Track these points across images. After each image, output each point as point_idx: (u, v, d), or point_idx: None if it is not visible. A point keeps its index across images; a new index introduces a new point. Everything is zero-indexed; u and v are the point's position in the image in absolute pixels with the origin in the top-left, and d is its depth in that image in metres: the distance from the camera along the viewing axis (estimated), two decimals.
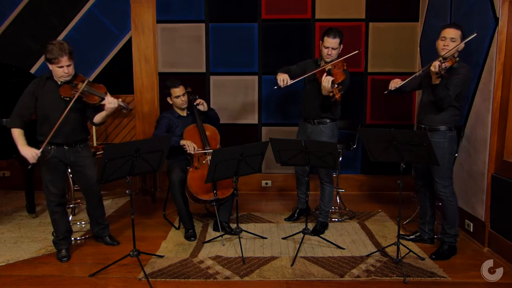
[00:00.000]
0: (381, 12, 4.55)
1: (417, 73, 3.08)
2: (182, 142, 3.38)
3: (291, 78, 3.28)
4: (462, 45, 2.85)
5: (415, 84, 3.19)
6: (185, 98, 3.58)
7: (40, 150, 2.79)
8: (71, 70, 2.84)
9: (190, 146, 3.36)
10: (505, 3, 2.95)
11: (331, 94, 3.12)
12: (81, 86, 2.84)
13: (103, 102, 2.89)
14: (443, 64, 2.72)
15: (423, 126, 3.03)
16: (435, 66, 2.72)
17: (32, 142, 3.06)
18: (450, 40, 2.84)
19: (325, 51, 3.26)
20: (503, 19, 2.98)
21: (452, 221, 3.00)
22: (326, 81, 3.09)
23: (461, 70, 2.83)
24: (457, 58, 2.81)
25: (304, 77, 3.35)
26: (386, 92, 3.12)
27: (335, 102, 3.15)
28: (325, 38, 3.25)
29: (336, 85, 3.11)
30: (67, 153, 2.96)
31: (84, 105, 2.94)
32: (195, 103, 3.62)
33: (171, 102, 3.62)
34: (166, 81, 3.65)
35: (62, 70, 2.80)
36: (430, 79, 2.90)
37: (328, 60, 3.28)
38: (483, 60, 3.17)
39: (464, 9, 3.47)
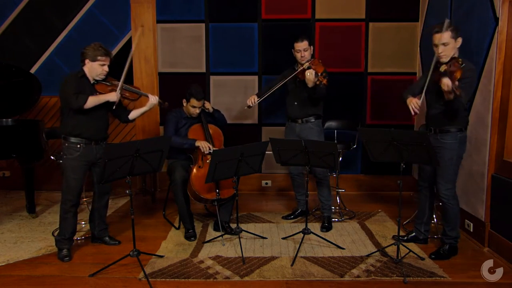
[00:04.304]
0: (381, 12, 4.55)
1: (426, 81, 2.86)
2: (197, 143, 3.40)
3: (268, 91, 3.60)
4: (460, 41, 2.81)
5: (420, 89, 3.05)
6: (199, 111, 3.57)
7: (118, 88, 2.97)
8: (108, 69, 3.02)
9: (205, 147, 3.38)
10: (505, 3, 2.95)
11: (318, 83, 3.30)
12: (120, 83, 3.00)
13: (150, 98, 3.16)
14: (455, 82, 2.58)
15: (432, 128, 2.98)
16: (448, 85, 2.56)
17: (29, 143, 3.06)
18: (443, 46, 2.79)
19: (298, 55, 3.52)
20: (503, 19, 2.97)
21: (453, 223, 2.99)
22: (310, 74, 3.30)
23: (468, 73, 2.74)
24: (461, 62, 2.71)
25: (280, 85, 3.56)
26: (414, 115, 2.91)
27: (323, 88, 3.35)
28: (295, 44, 3.51)
29: (319, 74, 3.31)
30: (94, 150, 3.02)
31: (113, 103, 3.00)
32: None
33: (184, 104, 3.61)
34: (192, 86, 3.56)
35: (103, 68, 2.98)
36: (438, 86, 2.76)
37: (303, 62, 3.51)
38: (483, 60, 3.17)
39: (464, 9, 3.47)
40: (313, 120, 3.60)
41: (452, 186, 2.95)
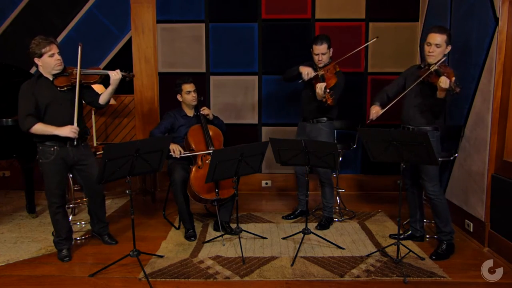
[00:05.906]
0: (381, 12, 4.56)
1: (408, 88, 2.97)
2: (171, 146, 3.36)
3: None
4: (449, 48, 2.90)
5: (399, 87, 3.16)
6: (195, 95, 3.60)
7: (75, 124, 2.85)
8: (60, 57, 2.87)
9: (176, 150, 3.37)
10: (505, 3, 2.95)
11: (324, 100, 3.24)
12: (77, 70, 2.88)
13: (111, 75, 2.98)
14: (453, 79, 2.65)
15: (410, 127, 3.05)
16: (445, 83, 2.64)
17: (29, 143, 3.04)
18: (436, 46, 2.86)
19: (315, 57, 3.42)
20: (503, 19, 2.97)
21: (445, 218, 3.02)
22: (319, 88, 3.23)
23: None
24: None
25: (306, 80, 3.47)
26: (368, 122, 3.09)
27: (329, 105, 3.27)
28: (313, 46, 3.39)
29: (328, 91, 3.24)
30: (70, 152, 2.95)
31: (81, 92, 2.93)
32: (200, 110, 3.62)
33: (181, 99, 3.64)
34: (178, 78, 3.64)
35: (55, 58, 2.84)
36: (419, 84, 2.90)
37: (320, 65, 3.43)
38: (483, 60, 3.17)
39: (464, 9, 3.47)
40: (324, 121, 3.55)
41: (437, 182, 3.02)
